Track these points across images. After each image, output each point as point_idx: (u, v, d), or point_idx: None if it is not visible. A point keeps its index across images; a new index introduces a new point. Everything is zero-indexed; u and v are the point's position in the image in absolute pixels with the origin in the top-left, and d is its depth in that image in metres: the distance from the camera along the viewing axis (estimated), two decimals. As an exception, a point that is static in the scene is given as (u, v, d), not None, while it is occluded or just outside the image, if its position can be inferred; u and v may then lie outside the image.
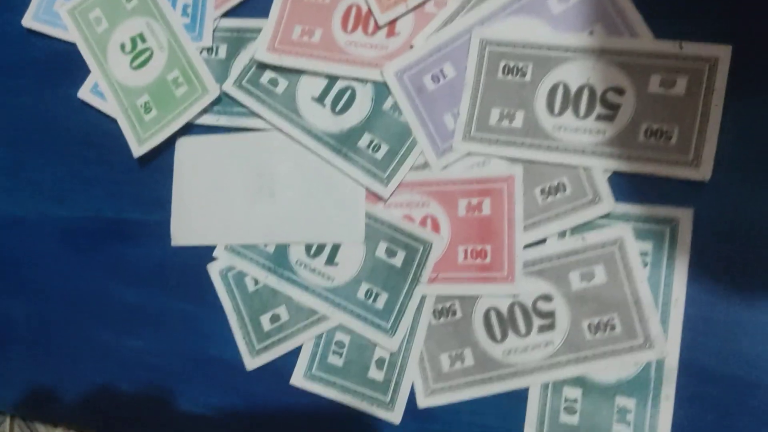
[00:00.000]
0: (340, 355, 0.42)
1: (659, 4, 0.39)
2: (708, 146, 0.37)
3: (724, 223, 0.37)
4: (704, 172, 0.37)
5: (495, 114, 0.40)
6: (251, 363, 0.43)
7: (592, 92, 0.39)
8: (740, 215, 0.37)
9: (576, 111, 0.39)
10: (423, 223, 0.41)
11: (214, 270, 0.44)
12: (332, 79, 0.44)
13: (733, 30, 0.38)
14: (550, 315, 0.38)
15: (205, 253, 0.45)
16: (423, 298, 0.41)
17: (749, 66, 0.37)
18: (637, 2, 0.39)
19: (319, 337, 0.42)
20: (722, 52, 0.37)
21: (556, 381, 0.38)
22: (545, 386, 0.38)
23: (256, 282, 0.44)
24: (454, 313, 0.40)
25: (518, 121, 0.40)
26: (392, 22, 0.43)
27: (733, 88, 0.37)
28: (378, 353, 0.41)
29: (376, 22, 0.43)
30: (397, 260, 0.41)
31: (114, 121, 0.47)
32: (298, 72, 0.44)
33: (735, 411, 0.36)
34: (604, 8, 0.39)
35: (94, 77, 0.48)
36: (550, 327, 0.38)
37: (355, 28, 0.44)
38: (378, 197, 0.42)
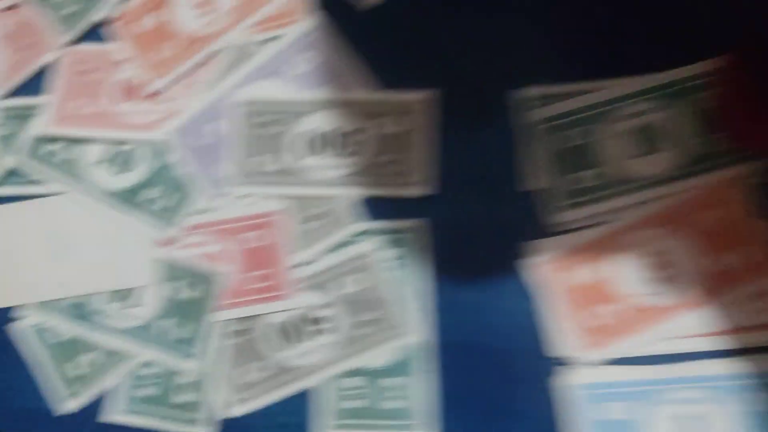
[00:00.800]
0: (150, 386, 0.46)
1: (382, 60, 0.48)
2: (432, 168, 0.46)
3: (453, 227, 0.45)
4: (431, 188, 0.46)
5: (261, 161, 0.47)
6: (61, 409, 0.46)
7: (337, 135, 0.47)
8: (464, 220, 0.45)
9: (326, 152, 0.47)
10: (211, 259, 0.47)
11: (15, 328, 0.47)
12: (113, 143, 0.49)
13: (443, 73, 0.47)
14: (327, 320, 0.46)
15: (3, 313, 0.47)
16: (219, 324, 0.46)
17: (458, 102, 0.46)
18: (365, 60, 0.48)
19: (129, 373, 0.46)
20: (432, 95, 0.47)
21: (338, 374, 0.45)
22: (329, 380, 0.45)
23: (59, 333, 0.47)
24: (247, 331, 0.46)
25: (281, 164, 0.47)
26: (165, 89, 0.50)
27: (447, 122, 0.46)
28: (185, 378, 0.46)
29: (149, 90, 0.49)
30: (192, 294, 0.46)
31: None
32: (81, 140, 0.49)
33: (490, 375, 0.42)
34: (339, 68, 0.48)
35: None
36: (329, 330, 0.46)
37: (130, 96, 0.49)
38: (167, 241, 0.47)
